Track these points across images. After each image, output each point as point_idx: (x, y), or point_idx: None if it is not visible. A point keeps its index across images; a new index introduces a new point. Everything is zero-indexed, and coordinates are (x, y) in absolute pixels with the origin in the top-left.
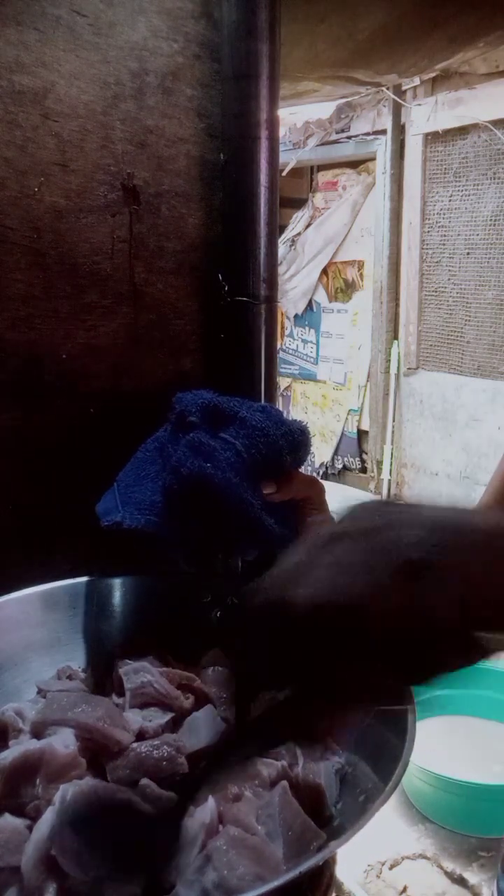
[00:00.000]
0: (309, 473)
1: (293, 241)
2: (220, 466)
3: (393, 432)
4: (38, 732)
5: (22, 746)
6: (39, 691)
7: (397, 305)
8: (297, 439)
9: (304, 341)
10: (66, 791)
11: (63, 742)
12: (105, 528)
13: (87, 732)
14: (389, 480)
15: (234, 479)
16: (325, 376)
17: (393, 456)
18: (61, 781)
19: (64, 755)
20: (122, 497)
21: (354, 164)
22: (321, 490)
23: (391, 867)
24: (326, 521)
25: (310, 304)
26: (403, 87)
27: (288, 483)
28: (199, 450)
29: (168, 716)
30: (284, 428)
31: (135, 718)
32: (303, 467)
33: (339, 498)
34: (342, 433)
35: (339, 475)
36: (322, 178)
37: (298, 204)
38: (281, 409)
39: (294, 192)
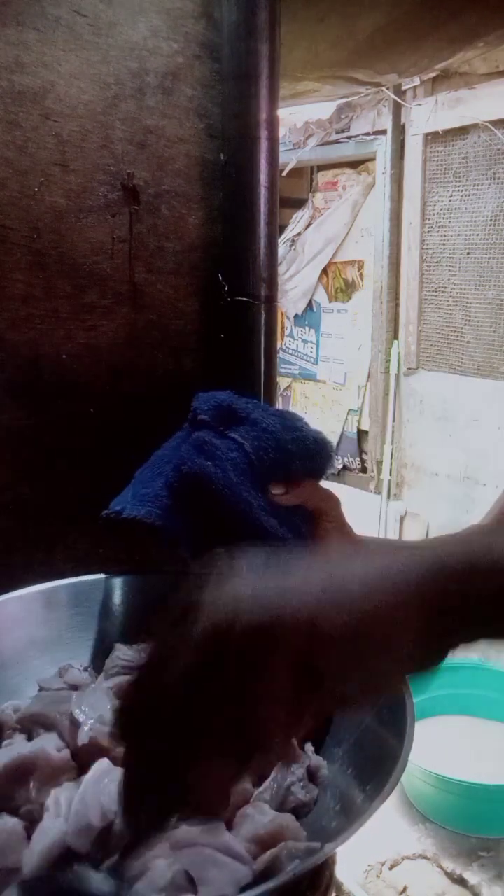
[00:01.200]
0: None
1: (293, 241)
2: (221, 466)
3: (393, 432)
4: (26, 727)
5: (14, 749)
6: (41, 689)
7: (397, 305)
8: (310, 447)
9: (304, 341)
10: (59, 795)
11: (55, 744)
12: (103, 516)
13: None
14: (389, 480)
15: (234, 478)
16: (325, 376)
17: (393, 456)
18: (54, 785)
19: (57, 759)
20: (133, 491)
21: (354, 164)
22: (337, 503)
23: (391, 867)
24: (343, 532)
25: (310, 304)
26: (403, 87)
27: (297, 488)
28: (203, 448)
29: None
30: (296, 433)
31: None
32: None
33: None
34: (342, 433)
35: (339, 475)
36: (322, 178)
37: (298, 204)
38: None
39: (294, 192)
